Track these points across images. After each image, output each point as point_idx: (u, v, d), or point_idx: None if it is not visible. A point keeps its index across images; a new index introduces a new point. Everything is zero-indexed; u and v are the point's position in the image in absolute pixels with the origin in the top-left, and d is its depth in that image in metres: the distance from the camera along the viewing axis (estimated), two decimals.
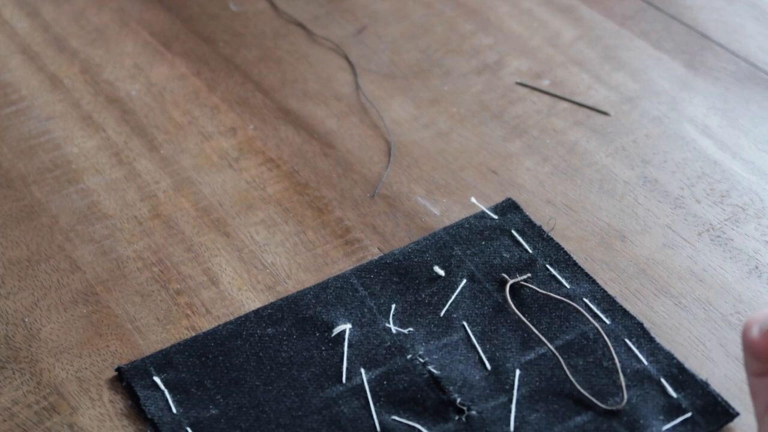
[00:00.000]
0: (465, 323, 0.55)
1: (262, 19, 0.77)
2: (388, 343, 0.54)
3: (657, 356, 0.53)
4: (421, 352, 0.53)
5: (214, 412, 0.51)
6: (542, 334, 0.54)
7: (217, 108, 0.69)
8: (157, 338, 0.55)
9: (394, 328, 0.55)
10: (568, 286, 0.56)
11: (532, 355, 0.53)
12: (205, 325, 0.55)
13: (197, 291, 0.57)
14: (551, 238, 0.59)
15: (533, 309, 0.55)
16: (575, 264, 0.58)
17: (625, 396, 0.51)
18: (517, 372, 0.52)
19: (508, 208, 0.61)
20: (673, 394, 0.51)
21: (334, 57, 0.74)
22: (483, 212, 0.61)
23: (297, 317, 0.55)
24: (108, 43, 0.75)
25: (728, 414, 0.50)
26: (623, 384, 0.51)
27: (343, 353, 0.53)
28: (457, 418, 0.51)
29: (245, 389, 0.52)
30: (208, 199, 0.63)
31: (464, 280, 0.57)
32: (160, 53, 0.74)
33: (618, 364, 0.52)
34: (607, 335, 0.54)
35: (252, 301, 0.57)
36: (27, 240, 0.60)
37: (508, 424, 0.50)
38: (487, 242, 0.59)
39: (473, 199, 0.62)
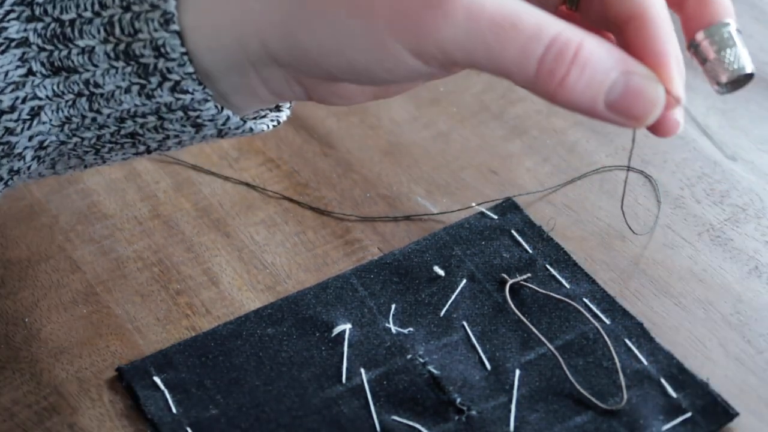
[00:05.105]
0: (465, 323, 0.55)
1: None
2: (388, 343, 0.54)
3: (657, 356, 0.53)
4: (421, 352, 0.53)
5: (214, 412, 0.51)
6: (542, 334, 0.54)
7: None
8: (157, 338, 0.55)
9: (394, 328, 0.55)
10: (568, 286, 0.56)
11: (532, 355, 0.53)
12: (205, 325, 0.55)
13: (197, 291, 0.57)
14: (551, 238, 0.59)
15: (533, 309, 0.55)
16: (575, 264, 0.58)
17: (625, 396, 0.51)
18: (517, 372, 0.52)
19: (508, 208, 0.61)
20: (673, 394, 0.51)
21: None
22: (483, 212, 0.61)
23: (297, 317, 0.55)
24: None
25: (728, 414, 0.50)
26: (623, 384, 0.51)
27: (343, 353, 0.53)
28: (457, 418, 0.51)
29: (245, 389, 0.52)
30: (208, 199, 0.63)
31: (464, 280, 0.57)
32: None
33: (618, 364, 0.52)
34: (607, 335, 0.54)
35: (252, 301, 0.57)
36: (27, 240, 0.60)
37: (508, 424, 0.50)
38: (487, 242, 0.59)
39: (473, 204, 0.62)
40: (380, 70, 0.41)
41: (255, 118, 0.48)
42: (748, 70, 0.42)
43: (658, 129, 0.43)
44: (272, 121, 0.49)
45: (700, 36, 0.43)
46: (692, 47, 0.43)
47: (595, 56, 0.39)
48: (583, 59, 0.39)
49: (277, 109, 0.50)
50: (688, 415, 0.50)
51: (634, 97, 0.39)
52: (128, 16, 0.42)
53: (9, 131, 0.43)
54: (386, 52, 0.40)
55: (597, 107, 0.39)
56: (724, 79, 0.42)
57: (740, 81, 0.42)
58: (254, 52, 0.42)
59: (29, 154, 0.45)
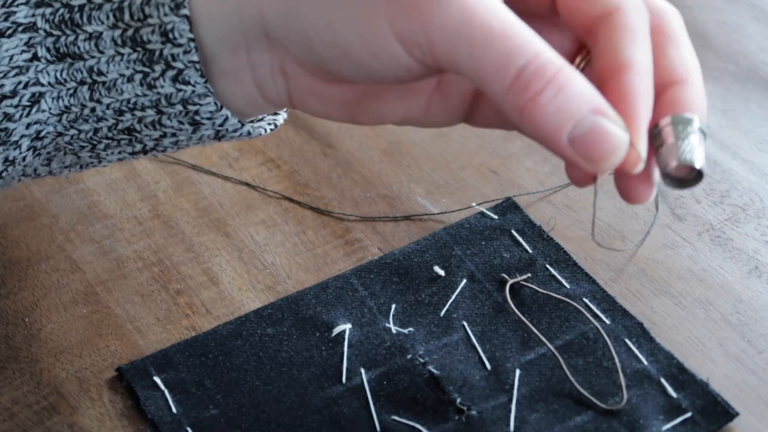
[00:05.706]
0: (465, 323, 0.55)
1: None
2: (388, 343, 0.54)
3: (657, 356, 0.53)
4: (421, 352, 0.53)
5: (214, 412, 0.51)
6: (542, 334, 0.54)
7: None
8: (157, 338, 0.55)
9: (394, 328, 0.55)
10: (568, 286, 0.56)
11: (532, 355, 0.53)
12: (205, 325, 0.56)
13: (197, 291, 0.57)
14: (551, 238, 0.59)
15: (533, 309, 0.55)
16: (575, 264, 0.58)
17: (625, 396, 0.51)
18: (517, 372, 0.52)
19: (508, 208, 0.61)
20: (673, 394, 0.51)
21: None
22: (483, 212, 0.61)
23: (297, 317, 0.55)
24: None
25: (728, 414, 0.50)
26: (623, 384, 0.51)
27: (343, 353, 0.53)
28: (457, 418, 0.51)
29: (245, 389, 0.52)
30: (208, 199, 0.63)
31: (464, 280, 0.57)
32: None
33: (618, 364, 0.52)
34: (607, 335, 0.54)
35: (252, 301, 0.57)
36: (27, 240, 0.60)
37: (508, 424, 0.50)
38: (487, 242, 0.59)
39: (473, 204, 0.62)
40: (362, 51, 0.42)
41: (252, 122, 0.49)
42: (698, 165, 0.41)
43: (629, 194, 0.44)
44: (269, 124, 0.49)
45: (665, 120, 0.43)
46: (654, 131, 0.43)
47: (572, 84, 0.39)
48: (559, 82, 0.39)
49: (274, 112, 0.50)
50: (688, 415, 0.50)
51: (598, 139, 0.39)
52: (138, 1, 0.42)
53: (7, 117, 0.44)
54: (372, 28, 0.41)
55: (559, 137, 0.39)
56: (673, 164, 0.41)
57: (687, 180, 0.42)
58: (250, 19, 0.43)
59: (25, 144, 0.45)
